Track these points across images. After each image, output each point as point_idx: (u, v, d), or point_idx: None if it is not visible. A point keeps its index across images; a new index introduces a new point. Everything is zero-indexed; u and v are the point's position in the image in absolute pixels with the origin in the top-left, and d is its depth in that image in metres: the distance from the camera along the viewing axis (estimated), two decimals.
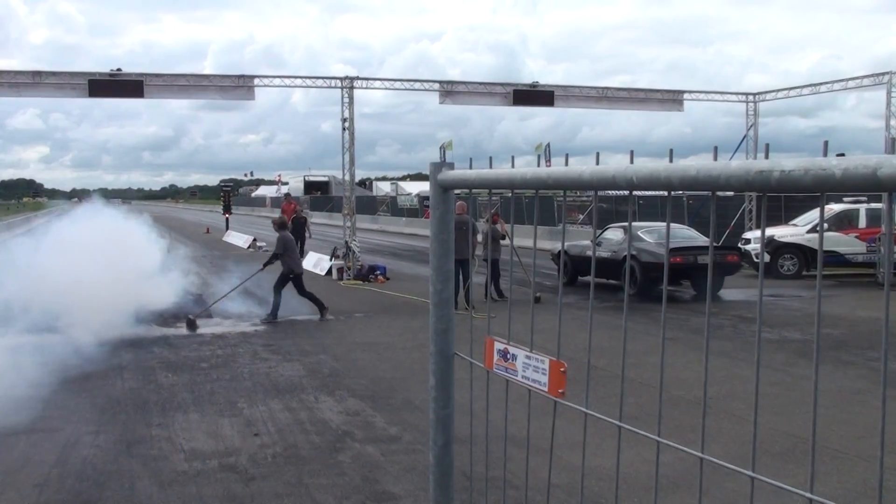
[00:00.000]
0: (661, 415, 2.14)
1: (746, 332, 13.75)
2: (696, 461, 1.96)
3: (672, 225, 20.59)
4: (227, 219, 45.34)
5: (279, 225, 16.90)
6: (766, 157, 23.81)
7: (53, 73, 22.14)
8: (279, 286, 15.70)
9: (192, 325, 14.90)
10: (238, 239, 37.83)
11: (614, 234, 19.36)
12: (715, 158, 23.27)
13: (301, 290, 16.03)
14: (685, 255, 16.97)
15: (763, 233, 2.02)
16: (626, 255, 17.83)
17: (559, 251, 20.17)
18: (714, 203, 2.02)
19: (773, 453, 7.30)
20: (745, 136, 27.72)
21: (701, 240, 18.70)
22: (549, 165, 32.32)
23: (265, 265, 16.11)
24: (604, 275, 19.08)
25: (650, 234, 18.11)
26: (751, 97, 27.75)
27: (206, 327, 14.83)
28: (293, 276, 15.77)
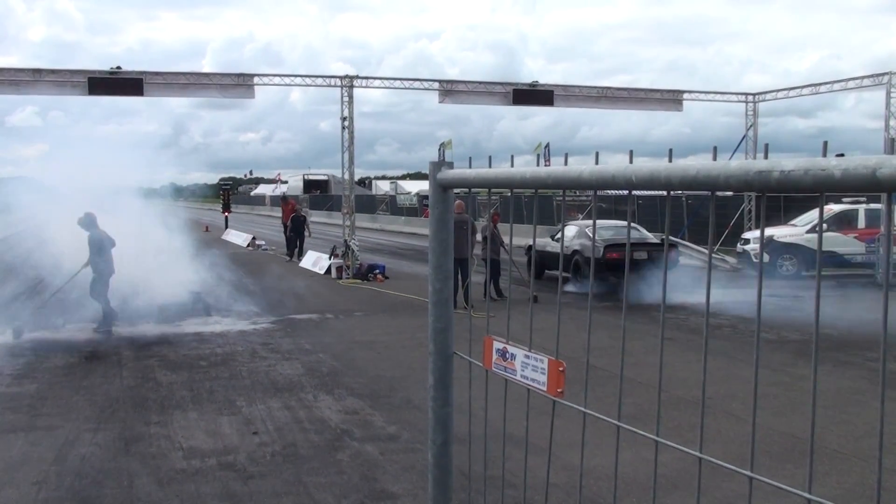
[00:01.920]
0: (659, 414, 2.14)
1: (745, 332, 13.76)
2: (694, 461, 1.96)
3: (618, 223, 21.10)
4: (226, 217, 45.32)
5: (86, 224, 14.56)
6: (766, 157, 23.72)
7: (53, 71, 22.12)
8: (100, 292, 14.42)
9: (18, 333, 13.50)
10: (237, 238, 37.84)
11: (568, 231, 20.36)
12: (714, 158, 23.23)
13: (95, 292, 14.49)
14: (621, 251, 17.28)
15: (762, 233, 2.03)
16: (575, 250, 19.46)
17: (529, 246, 20.74)
18: (713, 203, 2.02)
19: (771, 453, 7.31)
20: (744, 136, 27.72)
21: (648, 237, 20.19)
22: (549, 165, 32.33)
23: (83, 267, 14.55)
24: (558, 267, 19.50)
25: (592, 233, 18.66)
26: (750, 97, 27.76)
27: (205, 326, 14.82)
28: (96, 276, 14.33)
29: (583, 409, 2.33)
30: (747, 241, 23.59)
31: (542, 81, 25.61)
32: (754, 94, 27.83)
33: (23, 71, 22.12)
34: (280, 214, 33.74)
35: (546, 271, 21.89)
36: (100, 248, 14.26)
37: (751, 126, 27.60)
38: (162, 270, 17.54)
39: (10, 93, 22.31)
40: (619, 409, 2.22)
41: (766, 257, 21.35)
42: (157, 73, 22.87)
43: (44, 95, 23.09)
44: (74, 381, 10.39)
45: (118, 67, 22.35)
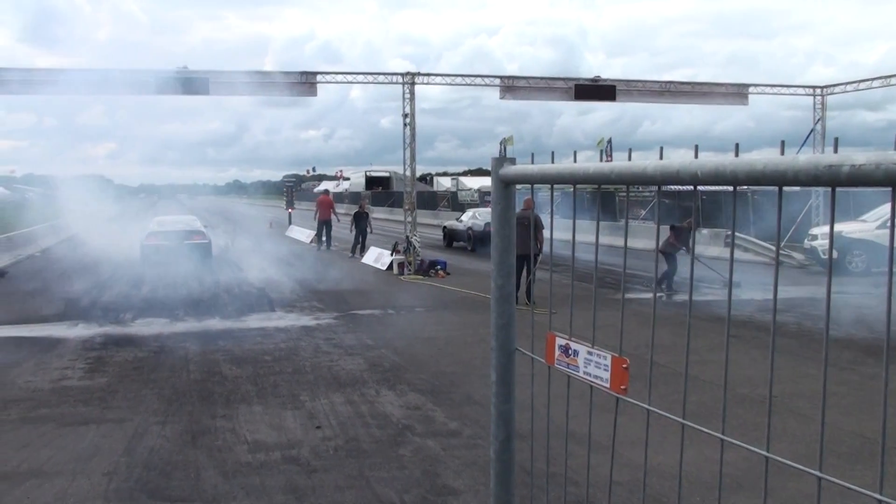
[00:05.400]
0: (725, 412, 2.11)
1: (812, 329, 13.49)
2: (760, 460, 1.93)
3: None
4: (289, 214, 45.78)
5: None
6: (836, 150, 23.19)
7: (122, 71, 22.58)
8: None
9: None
10: (300, 234, 38.25)
11: (467, 215, 32.92)
12: (782, 153, 22.85)
13: None
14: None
15: (832, 228, 1.98)
16: (468, 227, 30.59)
17: (444, 226, 35.08)
18: (780, 198, 1.99)
19: (839, 454, 7.16)
20: (812, 130, 27.17)
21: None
22: (611, 160, 32.04)
23: None
24: (461, 239, 31.64)
25: (482, 216, 29.81)
26: (818, 90, 27.20)
27: (269, 321, 15.01)
28: None
29: (647, 406, 2.32)
30: (815, 237, 23.11)
31: (602, 76, 25.42)
32: (822, 87, 27.27)
33: (94, 72, 22.61)
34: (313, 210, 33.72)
35: (454, 243, 32.33)
36: None
37: (819, 120, 27.04)
38: (230, 266, 17.85)
39: (82, 93, 22.83)
40: (684, 406, 2.20)
41: (834, 253, 20.89)
42: (222, 73, 23.21)
43: (113, 95, 23.60)
44: (143, 375, 10.61)
45: (184, 67, 22.74)
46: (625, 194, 2.53)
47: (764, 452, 1.91)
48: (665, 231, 18.70)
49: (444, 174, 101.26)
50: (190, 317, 15.26)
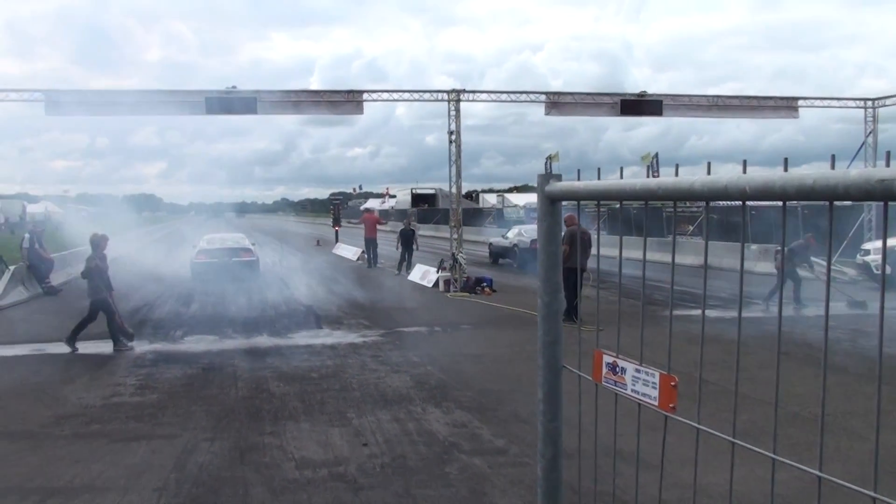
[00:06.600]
0: (776, 431, 2.08)
1: (866, 346, 13.22)
2: (812, 480, 1.90)
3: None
4: (336, 231, 46.05)
5: (95, 244, 14.67)
6: (887, 164, 22.77)
7: (172, 92, 22.93)
8: (108, 315, 14.18)
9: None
10: (347, 251, 38.47)
11: (511, 232, 33.06)
12: (832, 167, 22.51)
13: (110, 317, 14.20)
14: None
15: (885, 243, 1.95)
16: (513, 243, 31.34)
17: (490, 243, 35.97)
18: (832, 213, 1.96)
19: (895, 474, 7.00)
20: (863, 143, 26.73)
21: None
22: (657, 176, 31.84)
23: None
24: (506, 256, 32.28)
25: (527, 233, 30.42)
26: (869, 102, 26.76)
27: (316, 338, 15.09)
28: (98, 301, 14.11)
29: (696, 424, 2.29)
30: (867, 252, 22.70)
31: (648, 91, 25.27)
32: (873, 100, 26.81)
33: (145, 93, 23.00)
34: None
35: (500, 260, 32.89)
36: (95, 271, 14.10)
37: (870, 132, 26.59)
38: (278, 283, 18.00)
39: (133, 114, 23.22)
40: (734, 425, 2.17)
41: (887, 268, 20.48)
42: (270, 92, 23.45)
43: (164, 116, 23.97)
44: (192, 392, 10.72)
45: (233, 87, 23.02)
46: (671, 210, 2.50)
47: (817, 472, 1.88)
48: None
49: (490, 191, 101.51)
50: (238, 334, 15.41)
